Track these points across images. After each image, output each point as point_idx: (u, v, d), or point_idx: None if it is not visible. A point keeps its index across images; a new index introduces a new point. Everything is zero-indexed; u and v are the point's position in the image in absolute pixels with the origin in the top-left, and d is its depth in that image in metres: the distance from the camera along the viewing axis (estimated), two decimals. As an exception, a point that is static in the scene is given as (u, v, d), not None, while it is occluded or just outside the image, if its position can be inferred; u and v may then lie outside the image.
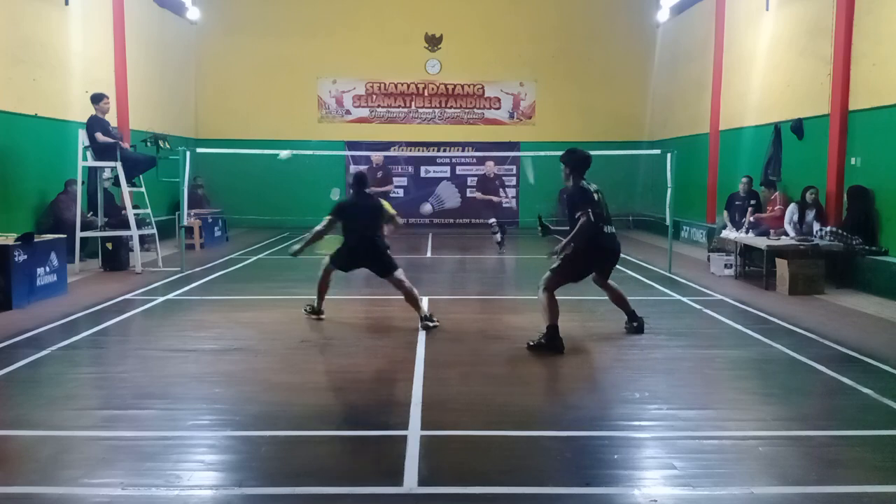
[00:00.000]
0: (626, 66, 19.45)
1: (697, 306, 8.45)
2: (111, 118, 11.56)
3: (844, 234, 9.78)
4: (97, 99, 10.71)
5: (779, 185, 12.04)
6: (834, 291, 9.27)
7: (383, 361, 6.16)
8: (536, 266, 13.31)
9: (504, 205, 14.88)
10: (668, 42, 18.64)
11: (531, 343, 6.36)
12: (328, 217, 7.52)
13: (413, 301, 7.32)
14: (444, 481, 3.74)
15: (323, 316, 7.70)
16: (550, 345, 6.28)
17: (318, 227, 7.52)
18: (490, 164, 14.55)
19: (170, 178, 11.73)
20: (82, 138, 10.65)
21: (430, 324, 7.18)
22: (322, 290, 7.70)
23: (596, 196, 6.69)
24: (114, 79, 14.09)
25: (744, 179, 12.50)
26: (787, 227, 10.66)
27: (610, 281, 7.13)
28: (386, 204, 7.73)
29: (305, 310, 7.82)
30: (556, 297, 6.55)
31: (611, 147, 17.41)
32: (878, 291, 9.06)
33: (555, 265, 6.59)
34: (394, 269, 7.39)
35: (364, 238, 7.42)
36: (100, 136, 10.47)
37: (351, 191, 7.90)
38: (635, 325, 7.06)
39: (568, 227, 6.65)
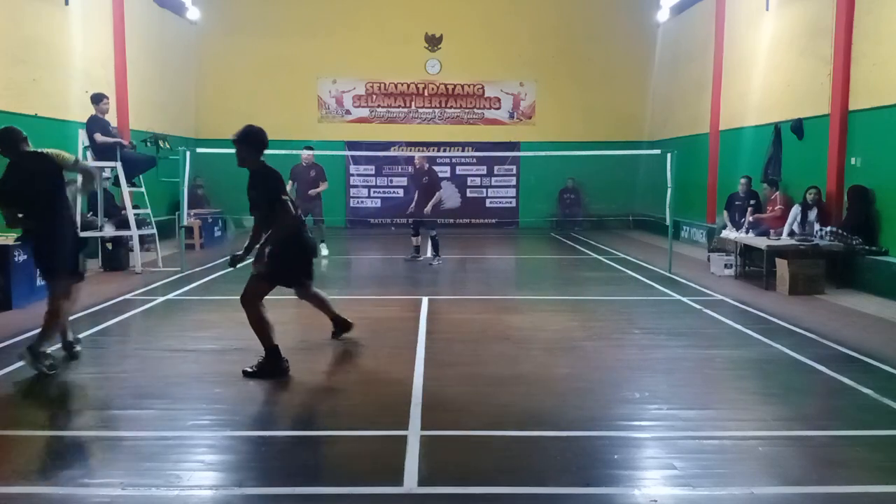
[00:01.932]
0: (626, 66, 19.45)
1: (697, 306, 8.45)
2: (111, 118, 11.55)
3: (844, 234, 9.78)
4: (97, 99, 10.70)
5: (779, 185, 12.04)
6: (834, 291, 9.27)
7: (383, 361, 6.15)
8: (537, 266, 13.35)
9: (447, 204, 13.71)
10: (668, 42, 18.64)
11: (248, 370, 5.55)
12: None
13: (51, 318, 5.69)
14: (444, 481, 3.74)
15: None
16: (273, 370, 5.54)
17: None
18: (419, 156, 12.78)
19: (170, 178, 11.73)
20: (82, 138, 10.65)
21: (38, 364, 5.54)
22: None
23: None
24: (114, 79, 14.09)
25: (742, 180, 12.52)
26: (787, 229, 10.64)
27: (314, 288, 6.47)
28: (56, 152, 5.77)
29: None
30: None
31: (611, 147, 17.47)
32: (878, 291, 9.05)
33: (257, 271, 5.69)
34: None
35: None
36: (98, 137, 10.47)
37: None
38: (337, 332, 6.61)
39: (254, 217, 5.95)
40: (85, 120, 10.73)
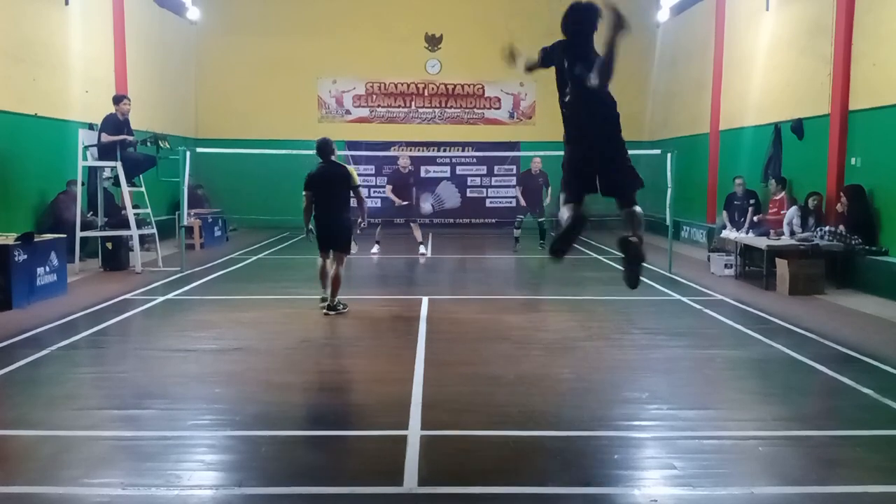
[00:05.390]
0: (626, 65, 19.01)
1: (697, 306, 8.45)
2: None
3: (843, 233, 9.77)
4: (117, 100, 10.76)
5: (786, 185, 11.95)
6: (834, 291, 9.27)
7: (383, 361, 6.15)
8: (537, 266, 13.34)
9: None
10: (668, 42, 18.62)
11: None
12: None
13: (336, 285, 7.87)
14: (444, 481, 3.74)
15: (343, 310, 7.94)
16: None
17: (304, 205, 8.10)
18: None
19: (169, 178, 11.73)
20: (82, 138, 10.65)
21: (335, 311, 7.80)
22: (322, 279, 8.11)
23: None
24: (114, 79, 14.07)
25: (738, 181, 12.51)
26: (786, 228, 10.65)
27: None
28: (351, 170, 8.41)
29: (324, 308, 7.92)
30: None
31: (611, 147, 17.43)
32: (878, 291, 9.05)
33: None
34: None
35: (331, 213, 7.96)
36: (104, 137, 10.50)
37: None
38: None
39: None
40: (84, 119, 10.74)
